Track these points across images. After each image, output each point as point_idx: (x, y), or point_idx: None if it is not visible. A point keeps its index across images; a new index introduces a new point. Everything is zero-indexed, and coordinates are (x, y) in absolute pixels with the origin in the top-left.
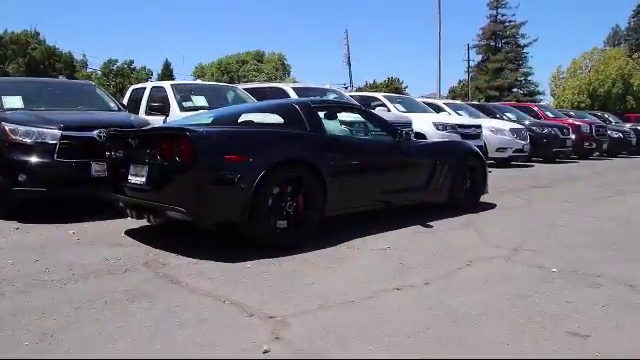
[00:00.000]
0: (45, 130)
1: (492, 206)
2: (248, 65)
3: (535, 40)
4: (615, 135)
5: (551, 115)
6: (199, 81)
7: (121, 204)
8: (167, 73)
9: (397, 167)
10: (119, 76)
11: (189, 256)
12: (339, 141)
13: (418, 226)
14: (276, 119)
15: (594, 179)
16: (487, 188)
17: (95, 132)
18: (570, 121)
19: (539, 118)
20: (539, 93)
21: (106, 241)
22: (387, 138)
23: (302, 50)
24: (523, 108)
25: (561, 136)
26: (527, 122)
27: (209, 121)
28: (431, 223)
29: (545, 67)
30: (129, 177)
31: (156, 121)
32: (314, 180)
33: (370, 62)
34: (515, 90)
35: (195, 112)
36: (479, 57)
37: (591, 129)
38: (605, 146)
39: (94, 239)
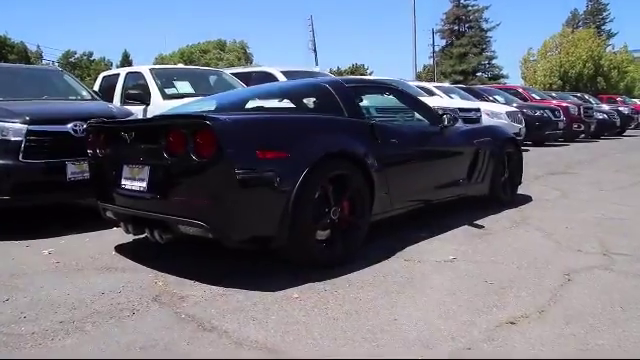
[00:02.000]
0: (7, 125)
1: (527, 198)
2: (210, 54)
3: (498, 24)
4: (600, 116)
5: (537, 97)
6: (181, 65)
7: (111, 216)
8: (126, 64)
9: (441, 157)
10: (77, 68)
11: (210, 283)
12: (384, 129)
13: (465, 227)
14: (302, 103)
15: (605, 162)
16: (521, 178)
17: (70, 125)
18: (558, 103)
19: (525, 100)
20: (503, 76)
21: (95, 264)
22: (428, 124)
23: (265, 38)
24: (509, 90)
25: (553, 118)
26: (516, 105)
27: (212, 108)
28: (477, 222)
29: (508, 51)
30: (122, 181)
31: (135, 112)
32: (361, 178)
33: (335, 49)
34: (480, 74)
35: (193, 99)
36: (443, 42)
37: (579, 111)
38: (593, 127)
39: (79, 262)
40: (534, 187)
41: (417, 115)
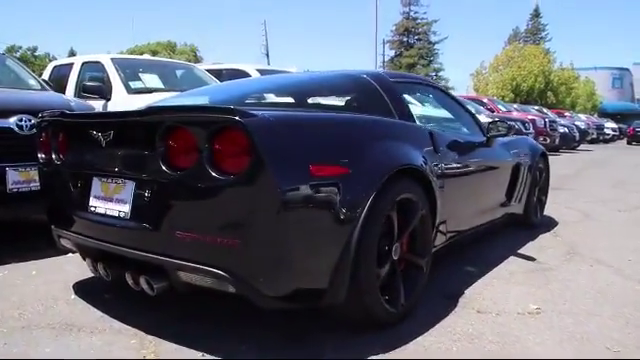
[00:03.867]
0: None
1: (549, 219)
2: (160, 55)
3: (445, 38)
4: (561, 130)
5: (503, 109)
6: (146, 56)
7: (71, 247)
8: None
9: (490, 173)
10: (22, 63)
11: (221, 349)
12: (441, 137)
13: (511, 258)
14: (338, 101)
15: (590, 177)
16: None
17: (13, 119)
18: (525, 115)
19: (492, 111)
20: (449, 88)
21: (47, 319)
22: (474, 132)
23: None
24: (476, 101)
25: (524, 131)
26: (488, 116)
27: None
28: (520, 251)
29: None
30: (91, 201)
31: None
32: (426, 201)
33: (286, 52)
34: None
35: (172, 94)
36: (392, 52)
37: (545, 124)
38: (557, 141)
39: (23, 312)
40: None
41: (464, 121)
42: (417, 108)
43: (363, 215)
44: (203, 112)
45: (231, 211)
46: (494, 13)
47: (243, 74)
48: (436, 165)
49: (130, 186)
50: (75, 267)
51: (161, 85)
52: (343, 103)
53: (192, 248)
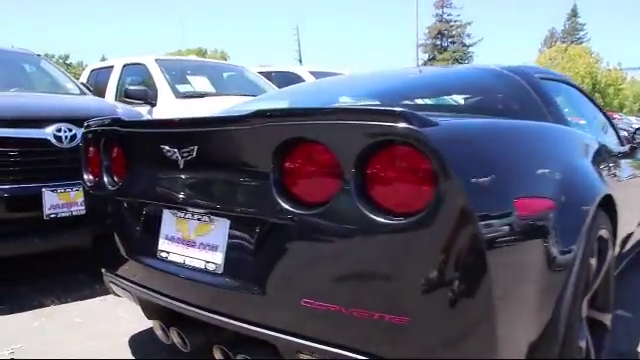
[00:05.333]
0: None
1: None
2: None
3: (480, 40)
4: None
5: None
6: (193, 57)
7: (130, 298)
8: None
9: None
10: None
11: None
12: (605, 149)
13: None
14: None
15: None
16: None
17: (50, 129)
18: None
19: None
20: None
21: None
22: (617, 141)
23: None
24: None
25: None
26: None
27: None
28: None
29: None
30: (160, 243)
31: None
32: (613, 238)
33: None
34: None
35: (246, 100)
36: (425, 56)
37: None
38: None
39: None
40: None
41: (605, 127)
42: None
43: (577, 262)
44: (353, 116)
45: (396, 270)
46: (529, 14)
47: (295, 77)
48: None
49: (222, 226)
50: (130, 311)
51: (212, 89)
52: (487, 106)
53: (327, 324)
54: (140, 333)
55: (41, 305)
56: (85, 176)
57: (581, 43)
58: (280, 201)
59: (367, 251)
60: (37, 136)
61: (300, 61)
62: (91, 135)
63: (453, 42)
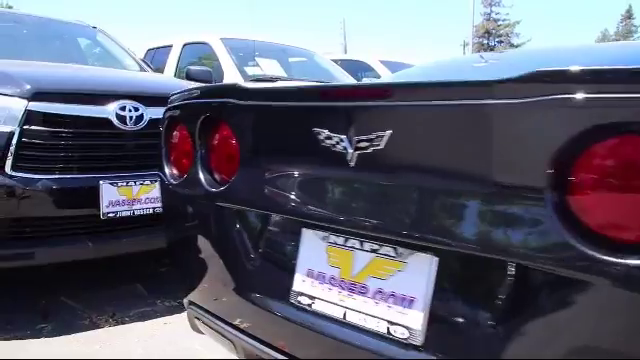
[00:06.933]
0: None
1: None
2: None
3: (529, 40)
4: None
5: None
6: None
7: (230, 348)
8: None
9: None
10: None
11: None
12: None
13: None
14: None
15: None
16: None
17: (113, 107)
18: None
19: None
20: None
21: None
22: None
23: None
24: None
25: None
26: None
27: None
28: None
29: None
30: (296, 282)
31: None
32: None
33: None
34: None
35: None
36: None
37: None
38: None
39: None
40: None
41: None
42: None
43: None
44: None
45: None
46: (580, 14)
47: (365, 66)
48: None
49: (423, 265)
50: (203, 341)
51: (283, 73)
52: None
53: None
54: None
55: (93, 325)
56: (167, 170)
57: None
58: (573, 239)
59: None
60: (96, 114)
61: (345, 53)
62: (180, 112)
63: (500, 41)
